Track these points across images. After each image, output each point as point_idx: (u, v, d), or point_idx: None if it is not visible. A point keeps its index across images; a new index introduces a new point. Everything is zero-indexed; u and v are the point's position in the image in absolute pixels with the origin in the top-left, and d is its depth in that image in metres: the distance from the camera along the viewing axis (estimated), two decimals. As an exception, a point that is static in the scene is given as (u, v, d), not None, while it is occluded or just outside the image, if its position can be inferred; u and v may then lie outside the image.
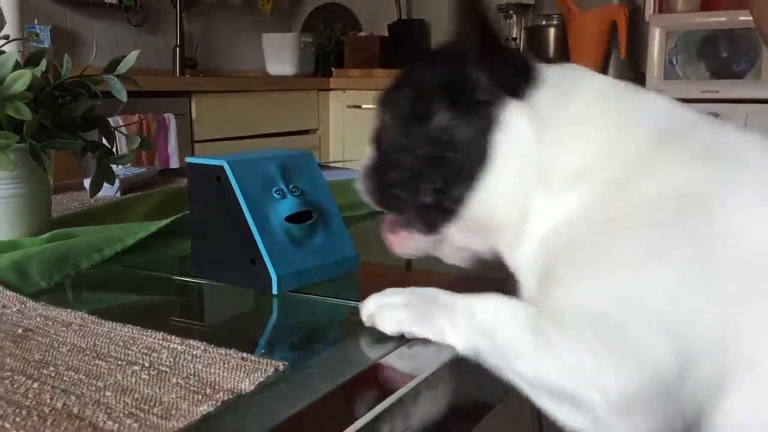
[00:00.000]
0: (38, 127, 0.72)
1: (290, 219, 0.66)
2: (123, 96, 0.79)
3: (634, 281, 0.47)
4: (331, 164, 1.48)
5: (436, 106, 0.57)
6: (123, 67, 0.79)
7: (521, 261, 0.57)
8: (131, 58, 0.80)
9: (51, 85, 0.75)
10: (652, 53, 2.60)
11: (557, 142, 0.55)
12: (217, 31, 3.45)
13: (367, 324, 0.55)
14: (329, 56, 3.45)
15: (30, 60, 0.78)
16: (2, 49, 0.75)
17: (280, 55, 3.27)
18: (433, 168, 0.57)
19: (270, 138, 2.87)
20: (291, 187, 0.68)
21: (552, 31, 2.91)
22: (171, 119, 2.40)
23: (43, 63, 0.77)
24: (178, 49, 3.10)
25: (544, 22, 2.94)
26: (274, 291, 0.64)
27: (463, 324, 0.51)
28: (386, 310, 0.55)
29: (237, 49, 3.53)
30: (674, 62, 2.58)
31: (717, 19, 2.56)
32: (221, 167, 0.65)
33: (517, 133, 0.55)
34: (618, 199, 0.51)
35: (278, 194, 0.67)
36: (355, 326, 0.55)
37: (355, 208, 0.82)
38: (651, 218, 0.49)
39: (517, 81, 0.56)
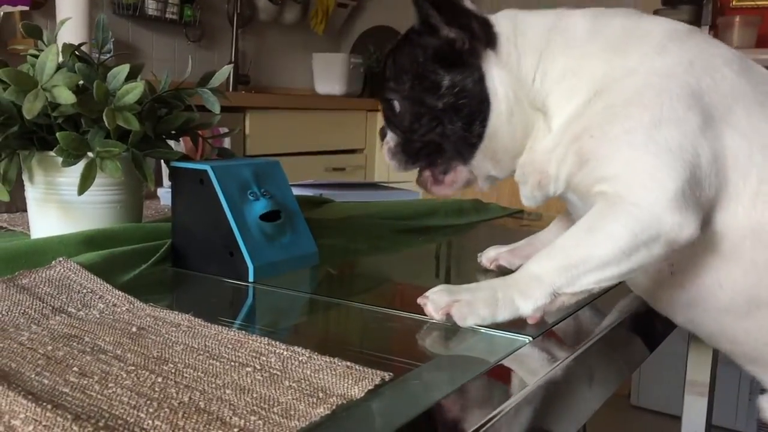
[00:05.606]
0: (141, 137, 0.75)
1: (263, 218, 0.75)
2: (216, 108, 0.82)
3: (652, 136, 0.61)
4: (388, 184, 1.51)
5: (439, 76, 0.69)
6: (216, 81, 0.83)
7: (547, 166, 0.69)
8: (224, 72, 0.84)
9: (151, 97, 0.79)
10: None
11: (528, 77, 0.69)
12: (269, 49, 3.53)
13: (438, 318, 0.60)
14: (377, 78, 3.49)
15: (130, 73, 0.82)
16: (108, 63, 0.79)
17: (329, 74, 3.33)
18: (453, 115, 0.69)
19: (318, 155, 2.92)
20: (262, 190, 0.77)
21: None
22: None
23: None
24: (232, 65, 3.17)
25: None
26: (251, 279, 0.72)
27: (528, 284, 0.61)
28: (463, 305, 0.60)
29: (288, 67, 3.60)
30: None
31: (770, 56, 2.56)
32: (205, 171, 0.73)
33: (497, 78, 0.69)
34: (606, 95, 0.65)
35: (252, 196, 0.75)
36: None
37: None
38: (635, 97, 0.63)
39: (481, 35, 0.69)
